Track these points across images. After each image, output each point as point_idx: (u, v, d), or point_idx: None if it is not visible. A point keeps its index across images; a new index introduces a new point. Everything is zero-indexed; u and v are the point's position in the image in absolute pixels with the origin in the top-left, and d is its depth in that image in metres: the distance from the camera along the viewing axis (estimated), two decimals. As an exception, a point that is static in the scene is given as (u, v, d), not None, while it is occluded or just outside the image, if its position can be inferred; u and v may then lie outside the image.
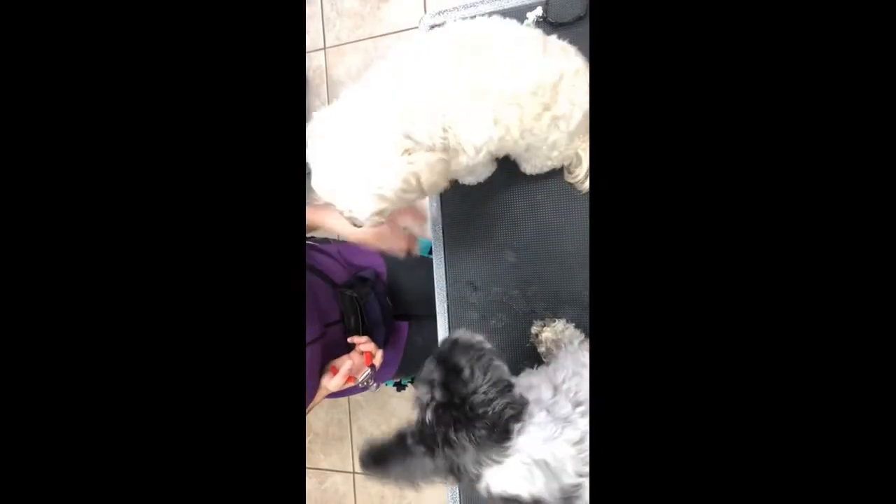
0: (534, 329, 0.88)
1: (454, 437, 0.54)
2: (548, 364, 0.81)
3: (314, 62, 1.94)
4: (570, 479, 0.56)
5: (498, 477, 0.57)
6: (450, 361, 0.57)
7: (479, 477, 0.57)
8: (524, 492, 0.57)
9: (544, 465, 0.56)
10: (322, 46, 1.93)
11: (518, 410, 0.57)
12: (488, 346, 0.60)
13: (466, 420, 0.55)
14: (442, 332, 0.99)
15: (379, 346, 0.97)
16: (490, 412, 0.55)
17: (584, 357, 0.74)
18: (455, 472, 0.56)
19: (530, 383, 0.65)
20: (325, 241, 1.09)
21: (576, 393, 0.64)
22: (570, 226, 0.88)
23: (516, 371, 0.69)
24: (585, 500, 0.57)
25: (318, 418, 1.98)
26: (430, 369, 0.59)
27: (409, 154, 0.61)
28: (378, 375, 0.96)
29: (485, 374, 0.57)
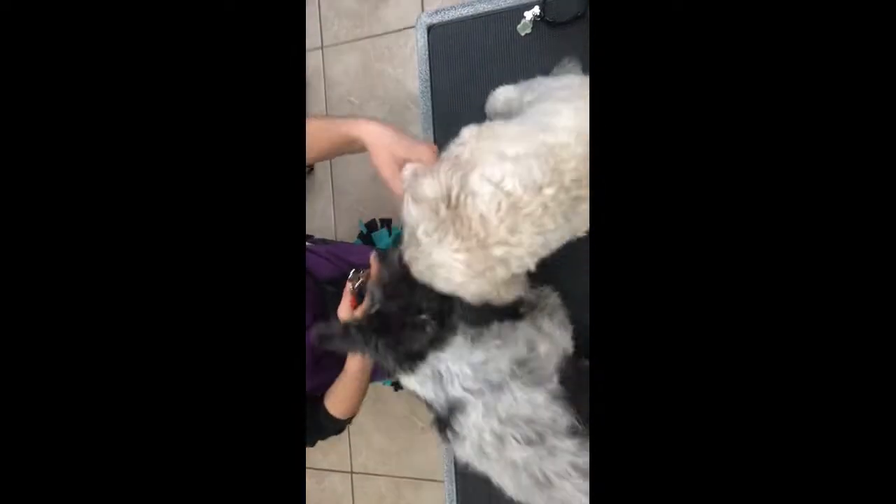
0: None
1: (379, 348, 0.66)
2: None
3: (312, 62, 1.94)
4: (455, 392, 0.65)
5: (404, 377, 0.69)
6: (407, 288, 0.64)
7: (393, 374, 0.69)
8: (419, 390, 0.68)
9: (437, 375, 0.66)
10: (320, 46, 1.93)
11: (438, 341, 0.66)
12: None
13: (394, 342, 0.65)
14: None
15: None
16: (415, 347, 0.66)
17: (544, 323, 0.78)
18: (379, 363, 0.69)
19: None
20: (325, 241, 1.09)
21: (501, 327, 0.71)
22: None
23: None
24: (469, 415, 0.65)
25: (316, 418, 1.98)
26: (390, 269, 0.67)
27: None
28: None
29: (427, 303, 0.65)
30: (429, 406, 0.69)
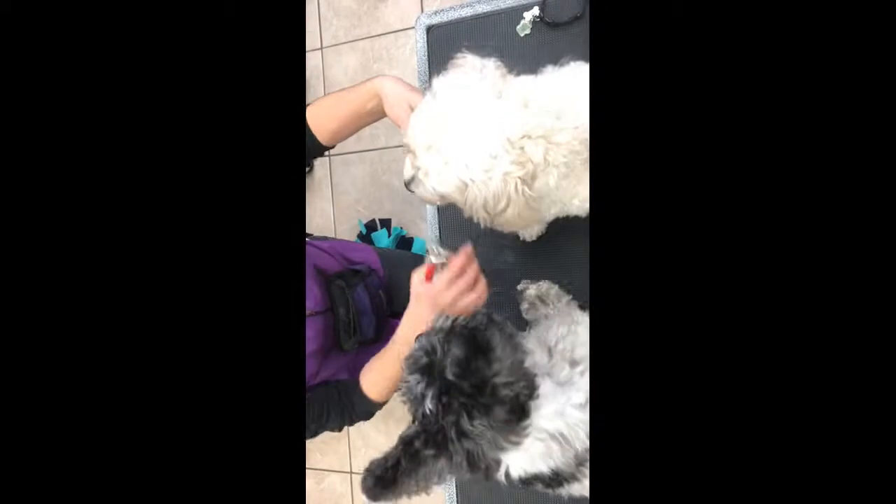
0: (520, 286, 0.88)
1: (469, 427, 0.49)
2: (533, 324, 0.81)
3: (311, 62, 1.94)
4: (582, 444, 0.54)
5: (517, 460, 0.54)
6: (481, 340, 0.51)
7: (498, 464, 0.53)
8: (544, 467, 0.54)
9: (560, 437, 0.54)
10: (319, 46, 1.93)
11: (531, 386, 0.54)
12: (509, 324, 0.56)
13: (483, 405, 0.49)
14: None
15: (368, 336, 0.96)
16: (510, 394, 0.51)
17: (576, 315, 0.73)
18: (473, 464, 0.50)
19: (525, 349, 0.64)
20: (324, 238, 1.10)
21: (571, 352, 0.63)
22: (570, 225, 0.88)
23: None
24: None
25: (316, 418, 1.98)
26: (424, 348, 0.53)
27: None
28: None
29: (513, 354, 0.52)
30: (547, 478, 0.55)
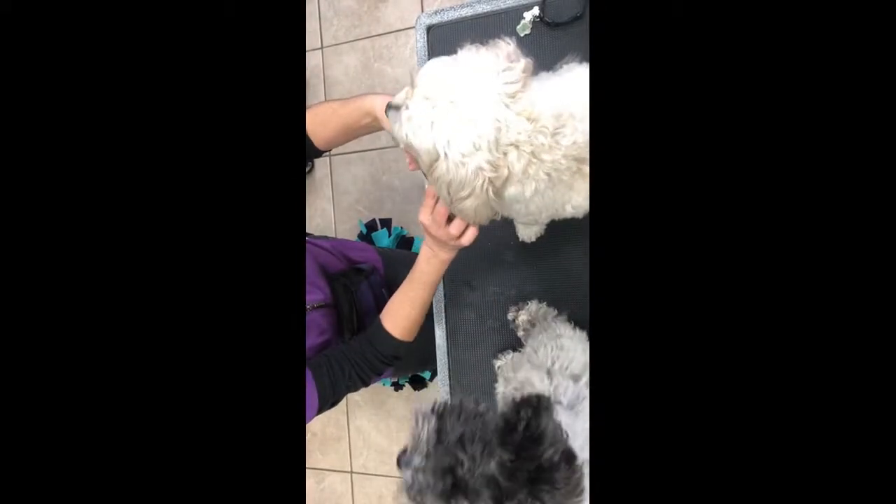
0: (510, 315, 0.89)
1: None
2: (524, 346, 0.81)
3: (311, 61, 1.94)
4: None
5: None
6: (534, 430, 0.47)
7: None
8: None
9: None
10: (319, 46, 1.93)
11: (559, 428, 0.50)
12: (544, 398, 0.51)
13: (545, 480, 0.45)
14: (439, 333, 0.99)
15: None
16: (558, 451, 0.47)
17: (559, 328, 0.73)
18: None
19: (522, 379, 0.63)
20: (325, 238, 1.10)
21: (567, 367, 0.62)
22: (570, 225, 0.88)
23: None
24: None
25: (316, 418, 1.99)
26: (442, 469, 0.47)
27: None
28: None
29: (555, 425, 0.48)
30: None
